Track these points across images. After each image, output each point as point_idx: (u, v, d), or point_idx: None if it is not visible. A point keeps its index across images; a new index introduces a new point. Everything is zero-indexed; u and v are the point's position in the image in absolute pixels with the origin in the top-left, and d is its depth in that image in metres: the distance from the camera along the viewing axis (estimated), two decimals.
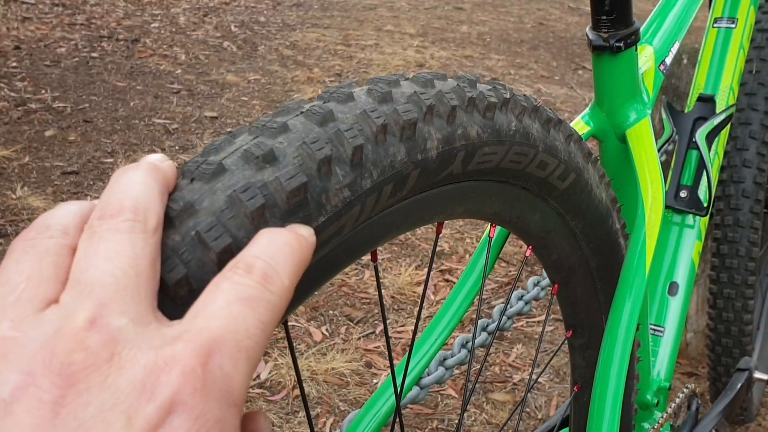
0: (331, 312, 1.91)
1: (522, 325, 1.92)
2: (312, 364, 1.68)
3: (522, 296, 1.11)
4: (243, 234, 0.33)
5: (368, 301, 1.98)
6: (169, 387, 0.24)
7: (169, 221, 0.32)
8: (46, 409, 0.23)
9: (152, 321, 0.27)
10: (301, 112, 0.40)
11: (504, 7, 5.65)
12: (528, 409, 1.61)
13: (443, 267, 2.18)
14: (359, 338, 1.81)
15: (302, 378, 1.63)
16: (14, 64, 3.33)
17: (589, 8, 0.77)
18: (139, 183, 0.30)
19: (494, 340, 1.85)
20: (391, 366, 0.51)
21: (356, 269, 2.11)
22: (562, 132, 0.60)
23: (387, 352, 1.71)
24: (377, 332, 1.85)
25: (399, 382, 0.67)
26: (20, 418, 0.23)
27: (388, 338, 0.50)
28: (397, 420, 0.58)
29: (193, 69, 3.60)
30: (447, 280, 2.12)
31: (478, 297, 0.70)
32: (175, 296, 0.31)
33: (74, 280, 0.27)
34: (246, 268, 0.29)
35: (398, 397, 0.55)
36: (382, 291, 2.03)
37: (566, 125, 0.61)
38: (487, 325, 1.02)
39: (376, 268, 0.48)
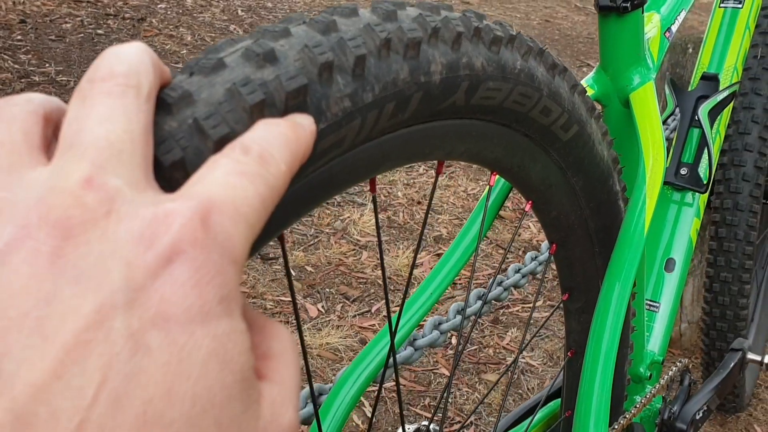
0: (327, 290, 1.91)
1: (517, 310, 1.92)
2: (306, 338, 1.68)
3: (519, 269, 1.11)
4: (241, 128, 0.33)
5: (365, 281, 1.98)
6: (170, 236, 0.23)
7: (166, 108, 0.32)
8: (43, 258, 0.23)
9: (148, 187, 0.27)
10: (304, 22, 0.40)
11: (511, 3, 5.65)
12: (520, 391, 1.60)
13: (440, 251, 2.17)
14: (355, 316, 1.81)
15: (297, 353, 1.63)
16: (19, 37, 3.32)
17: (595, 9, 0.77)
18: (131, 53, 0.29)
19: (489, 324, 1.85)
20: (388, 303, 0.50)
21: (354, 249, 2.11)
22: (567, 81, 0.60)
23: (380, 321, 1.71)
24: (373, 311, 1.85)
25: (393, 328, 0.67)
26: (17, 267, 0.22)
27: (384, 270, 0.50)
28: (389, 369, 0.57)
29: (198, 50, 3.59)
30: None
31: (476, 248, 0.70)
32: (170, 178, 0.31)
33: (66, 143, 0.26)
34: (243, 150, 0.29)
35: (392, 334, 0.55)
36: (379, 272, 2.02)
37: (571, 74, 0.61)
38: (482, 294, 1.02)
39: (374, 199, 0.48)
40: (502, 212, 2.37)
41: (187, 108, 0.32)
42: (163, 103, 0.32)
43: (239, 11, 4.35)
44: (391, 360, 0.73)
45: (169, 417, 0.22)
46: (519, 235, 2.31)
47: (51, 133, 0.28)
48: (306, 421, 0.76)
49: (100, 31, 3.58)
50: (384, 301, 1.89)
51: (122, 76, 0.28)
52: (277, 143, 0.30)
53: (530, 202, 0.68)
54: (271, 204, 0.28)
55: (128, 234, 0.23)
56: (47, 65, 3.06)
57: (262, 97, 0.34)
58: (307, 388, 0.89)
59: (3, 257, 0.23)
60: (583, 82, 0.81)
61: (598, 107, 0.71)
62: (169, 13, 4.08)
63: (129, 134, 0.27)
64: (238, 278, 0.25)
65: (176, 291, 0.23)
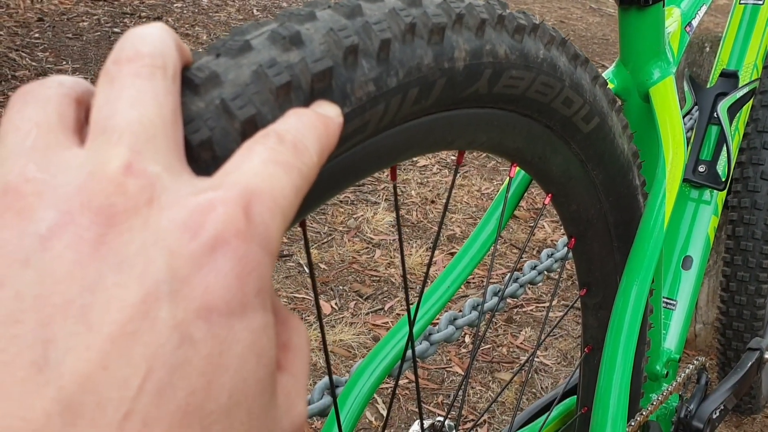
0: (341, 287, 1.91)
1: (531, 310, 1.91)
2: (320, 334, 1.68)
3: (535, 266, 1.10)
4: (267, 109, 0.33)
5: (378, 279, 1.98)
6: (213, 226, 0.23)
7: (193, 88, 0.32)
8: (87, 245, 0.22)
9: (183, 172, 0.26)
10: (329, 6, 0.40)
11: (525, 5, 5.63)
12: (534, 390, 1.60)
13: (454, 250, 2.17)
14: (368, 313, 1.81)
15: (310, 348, 1.63)
16: (37, 35, 3.34)
17: (610, 10, 0.77)
18: (154, 33, 0.29)
19: (503, 323, 1.85)
20: (406, 290, 0.50)
21: (367, 248, 2.11)
22: (589, 72, 0.60)
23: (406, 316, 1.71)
24: (386, 308, 1.85)
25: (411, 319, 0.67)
26: (61, 252, 0.22)
27: (402, 255, 0.49)
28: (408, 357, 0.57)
29: None
30: None
31: (497, 237, 0.69)
32: (198, 158, 0.31)
33: (99, 126, 0.26)
34: (278, 138, 0.29)
35: (411, 324, 0.55)
36: (392, 270, 2.02)
37: (593, 66, 0.60)
38: (498, 291, 1.02)
39: (395, 188, 0.48)
40: (516, 212, 2.36)
41: (215, 89, 0.32)
42: (191, 84, 0.32)
43: (254, 11, 4.36)
44: (407, 353, 0.73)
45: (208, 409, 0.22)
46: (533, 234, 2.31)
47: (83, 116, 0.28)
48: (323, 413, 0.76)
49: (116, 30, 3.60)
50: (398, 299, 1.89)
51: (148, 56, 0.28)
52: (309, 134, 0.30)
53: (550, 194, 0.68)
54: (302, 195, 0.28)
55: (171, 223, 0.23)
56: (64, 63, 3.08)
57: (288, 79, 0.34)
58: (325, 379, 0.90)
59: (46, 242, 0.22)
60: (602, 76, 0.81)
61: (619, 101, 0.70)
62: (185, 12, 4.10)
63: (160, 117, 0.27)
64: (272, 270, 0.25)
65: (219, 282, 0.23)
